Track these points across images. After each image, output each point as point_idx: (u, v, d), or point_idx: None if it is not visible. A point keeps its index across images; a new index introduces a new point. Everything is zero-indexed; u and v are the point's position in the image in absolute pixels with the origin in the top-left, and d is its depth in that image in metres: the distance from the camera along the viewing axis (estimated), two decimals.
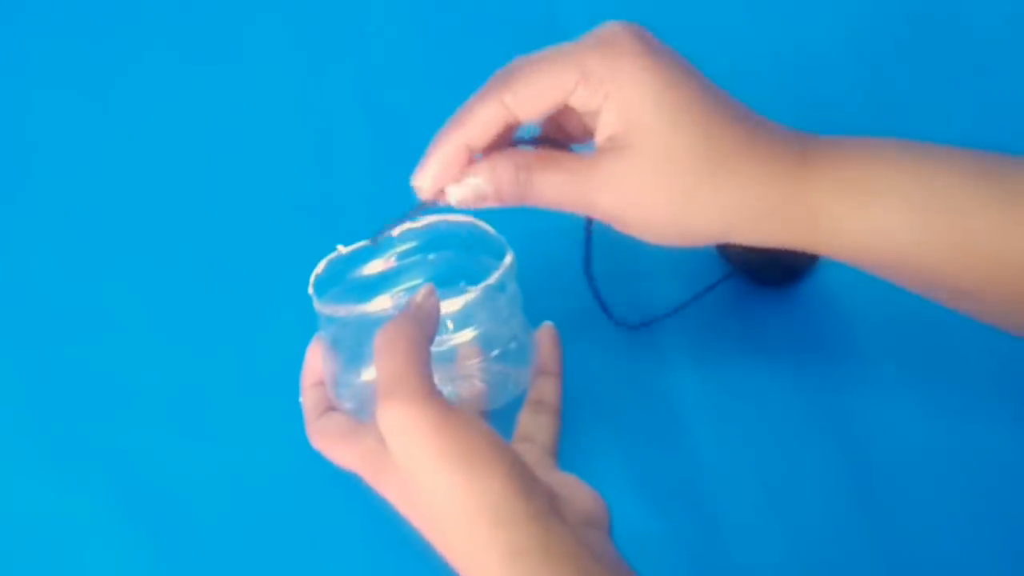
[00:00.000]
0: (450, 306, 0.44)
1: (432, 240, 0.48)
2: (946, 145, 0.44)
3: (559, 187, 0.44)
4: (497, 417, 0.49)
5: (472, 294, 0.45)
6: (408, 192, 0.45)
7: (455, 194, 0.44)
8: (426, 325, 0.42)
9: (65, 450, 0.56)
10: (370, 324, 0.44)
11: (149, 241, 0.60)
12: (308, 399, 0.48)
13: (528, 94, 0.43)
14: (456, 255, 0.48)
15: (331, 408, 0.47)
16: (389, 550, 0.52)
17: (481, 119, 0.43)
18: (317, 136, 0.63)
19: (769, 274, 0.56)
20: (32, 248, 0.61)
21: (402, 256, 0.48)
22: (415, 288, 0.45)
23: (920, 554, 0.52)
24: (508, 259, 0.46)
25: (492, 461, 0.39)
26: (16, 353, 0.58)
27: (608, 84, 0.42)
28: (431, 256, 0.48)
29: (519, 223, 0.47)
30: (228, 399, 0.56)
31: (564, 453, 0.49)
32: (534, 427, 0.48)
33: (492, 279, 0.45)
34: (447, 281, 0.45)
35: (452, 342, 0.46)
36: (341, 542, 0.54)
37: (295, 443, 0.55)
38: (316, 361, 0.48)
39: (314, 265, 0.47)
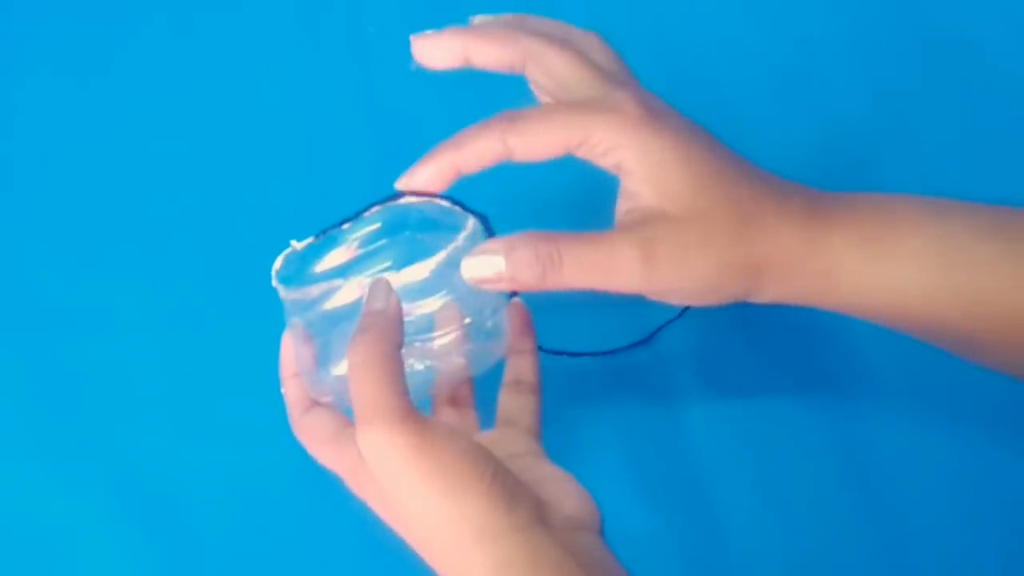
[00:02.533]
0: (417, 272, 0.44)
1: (393, 223, 0.46)
2: (958, 201, 0.45)
3: (590, 268, 0.43)
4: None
5: (438, 258, 0.43)
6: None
7: (470, 269, 0.43)
8: (394, 333, 0.41)
9: (64, 450, 0.56)
10: (339, 316, 0.44)
11: (148, 241, 0.60)
12: (290, 391, 0.48)
13: (530, 142, 0.43)
14: (419, 235, 0.46)
15: (315, 403, 0.47)
16: (389, 550, 0.52)
17: (479, 149, 0.44)
18: (317, 136, 0.63)
19: None
20: (31, 247, 0.61)
21: (365, 242, 0.47)
22: (383, 272, 0.44)
23: (920, 555, 0.52)
24: (471, 223, 0.45)
25: (472, 477, 0.38)
26: (15, 353, 0.58)
27: (619, 152, 0.43)
28: (394, 238, 0.47)
29: (500, 205, 0.46)
30: (228, 399, 0.56)
31: (564, 453, 0.49)
32: (515, 409, 0.48)
33: (457, 242, 0.44)
34: (414, 261, 0.44)
35: (422, 310, 0.45)
36: (341, 542, 0.53)
37: (295, 442, 0.55)
38: (290, 352, 0.48)
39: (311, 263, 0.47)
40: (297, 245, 0.46)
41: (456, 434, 0.39)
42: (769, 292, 0.44)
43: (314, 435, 0.45)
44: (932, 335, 0.45)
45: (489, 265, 0.43)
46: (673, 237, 0.42)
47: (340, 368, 0.45)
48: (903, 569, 0.52)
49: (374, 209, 0.46)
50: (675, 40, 0.64)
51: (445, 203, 0.45)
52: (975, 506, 0.53)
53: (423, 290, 0.44)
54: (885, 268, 0.43)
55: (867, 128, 0.62)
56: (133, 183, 0.62)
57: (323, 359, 0.46)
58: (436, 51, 0.47)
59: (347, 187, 0.61)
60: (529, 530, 0.39)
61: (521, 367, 0.49)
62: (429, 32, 0.47)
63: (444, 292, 0.44)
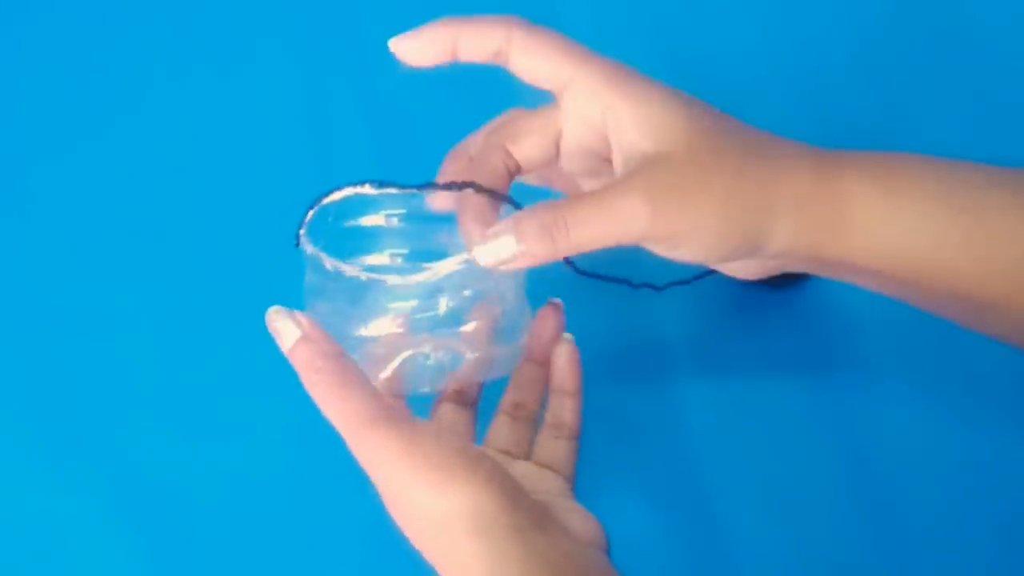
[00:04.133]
0: (447, 266, 0.44)
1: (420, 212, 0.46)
2: (964, 161, 0.44)
3: (595, 224, 0.42)
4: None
5: (460, 258, 0.44)
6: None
7: (483, 254, 0.43)
8: (327, 349, 0.41)
9: (64, 450, 0.56)
10: (364, 285, 0.44)
11: (147, 241, 0.60)
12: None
13: (531, 57, 0.44)
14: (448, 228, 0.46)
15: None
16: (389, 550, 0.52)
17: (484, 35, 0.44)
18: (317, 136, 0.63)
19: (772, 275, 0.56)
20: (31, 247, 0.61)
21: (404, 218, 0.47)
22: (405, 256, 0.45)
23: (921, 555, 0.52)
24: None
25: (465, 473, 0.39)
26: (15, 353, 0.58)
27: (607, 95, 0.43)
28: (407, 225, 0.46)
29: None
30: (228, 398, 0.56)
31: None
32: (553, 454, 0.48)
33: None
34: (434, 255, 0.45)
35: (448, 303, 0.45)
36: (341, 542, 0.53)
37: (295, 442, 0.55)
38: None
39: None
40: (337, 195, 0.45)
41: (445, 433, 0.40)
42: (778, 238, 0.43)
43: None
44: (942, 290, 0.44)
45: (502, 246, 0.42)
46: (674, 178, 0.42)
47: (364, 329, 0.45)
48: (904, 570, 0.52)
49: (419, 190, 0.45)
50: (675, 40, 0.64)
51: (509, 204, 0.45)
52: (978, 498, 0.52)
53: (454, 286, 0.44)
54: (896, 207, 0.42)
55: (868, 128, 0.62)
56: (133, 183, 0.62)
57: (347, 320, 0.45)
58: (419, 47, 0.46)
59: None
60: (526, 531, 0.39)
61: (564, 411, 0.48)
62: (407, 33, 0.46)
63: (471, 289, 0.45)
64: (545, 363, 0.49)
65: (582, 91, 0.43)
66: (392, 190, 0.45)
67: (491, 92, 0.63)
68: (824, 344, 0.56)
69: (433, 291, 0.44)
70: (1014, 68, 0.63)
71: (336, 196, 0.45)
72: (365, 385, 0.40)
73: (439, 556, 0.40)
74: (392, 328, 0.44)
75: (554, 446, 0.48)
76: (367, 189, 0.45)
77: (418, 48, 0.44)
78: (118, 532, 0.54)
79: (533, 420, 0.49)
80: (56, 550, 0.54)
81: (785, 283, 0.56)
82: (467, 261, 0.43)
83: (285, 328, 0.41)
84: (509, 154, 0.45)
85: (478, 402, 0.50)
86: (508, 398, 0.49)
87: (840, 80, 0.63)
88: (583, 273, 0.49)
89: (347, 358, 0.41)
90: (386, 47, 0.65)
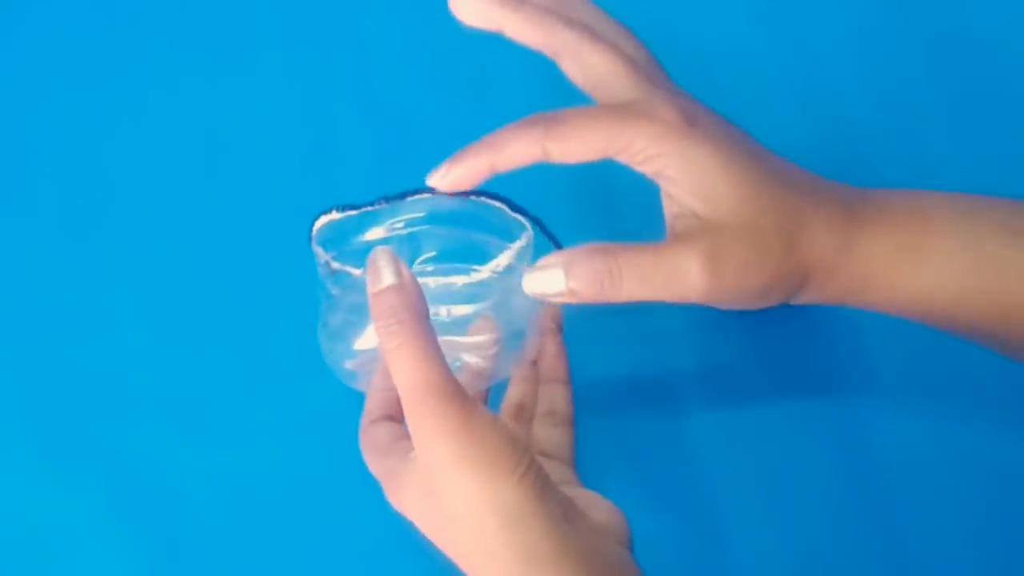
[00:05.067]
0: (463, 279, 0.44)
1: (436, 213, 0.46)
2: (989, 198, 0.46)
3: (651, 279, 0.43)
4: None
5: (487, 269, 0.44)
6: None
7: (529, 283, 0.43)
8: (418, 305, 0.40)
9: (64, 450, 0.55)
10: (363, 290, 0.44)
11: (147, 241, 0.60)
12: (370, 401, 0.48)
13: (569, 148, 0.43)
14: (461, 229, 0.46)
15: (385, 415, 0.47)
16: (390, 550, 0.52)
17: (516, 153, 0.43)
18: (317, 135, 0.63)
19: None
20: (31, 247, 0.61)
21: (408, 224, 0.46)
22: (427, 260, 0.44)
23: (921, 556, 0.52)
24: (524, 239, 0.45)
25: (507, 465, 0.39)
26: (15, 353, 0.58)
27: (660, 160, 0.43)
28: (436, 228, 0.46)
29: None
30: (228, 398, 0.56)
31: None
32: (551, 443, 0.49)
33: (505, 257, 0.44)
34: (450, 256, 0.45)
35: (459, 312, 0.45)
36: (341, 542, 0.53)
37: (295, 442, 0.55)
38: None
39: (311, 273, 0.46)
40: (337, 215, 0.45)
41: (498, 421, 0.40)
42: (806, 295, 0.45)
43: (370, 443, 0.46)
44: (964, 333, 0.46)
45: (550, 281, 0.43)
46: (733, 247, 0.43)
47: (362, 343, 0.45)
48: (904, 571, 0.52)
49: (420, 196, 0.45)
50: (675, 40, 0.64)
51: (499, 204, 0.45)
52: (980, 511, 0.53)
53: (465, 296, 0.44)
54: (918, 271, 0.44)
55: (868, 128, 0.62)
56: (133, 182, 0.62)
57: (345, 332, 0.45)
58: (473, 8, 0.46)
59: (347, 187, 0.60)
60: (558, 523, 0.39)
61: (556, 398, 0.50)
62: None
63: (484, 301, 0.45)
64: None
65: (630, 156, 0.43)
66: (351, 212, 0.45)
67: (492, 92, 0.64)
68: (825, 342, 0.56)
69: (440, 300, 0.44)
70: (1013, 66, 0.63)
71: (318, 224, 0.45)
72: (439, 354, 0.40)
73: (469, 545, 0.40)
74: None
75: (551, 433, 0.49)
76: (333, 215, 0.45)
77: (454, 182, 0.44)
78: (118, 532, 0.54)
79: (532, 417, 0.50)
80: (56, 550, 0.54)
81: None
82: (478, 280, 0.44)
83: (385, 269, 0.41)
84: (544, 150, 0.43)
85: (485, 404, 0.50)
86: (510, 399, 0.50)
87: (840, 80, 0.63)
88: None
89: (430, 323, 0.40)
90: (386, 47, 0.66)
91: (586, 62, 0.45)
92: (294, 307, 0.57)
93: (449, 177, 0.44)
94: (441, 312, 0.44)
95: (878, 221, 0.44)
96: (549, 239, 0.46)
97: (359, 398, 0.54)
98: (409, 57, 0.65)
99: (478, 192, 0.45)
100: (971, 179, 0.60)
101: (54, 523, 0.54)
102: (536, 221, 0.45)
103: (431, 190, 0.45)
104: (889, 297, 0.45)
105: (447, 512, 0.40)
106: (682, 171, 0.43)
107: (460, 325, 0.45)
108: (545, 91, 0.63)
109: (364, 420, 0.47)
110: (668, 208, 0.45)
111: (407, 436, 0.45)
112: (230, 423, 0.56)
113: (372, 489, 0.54)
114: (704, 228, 0.43)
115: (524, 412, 0.50)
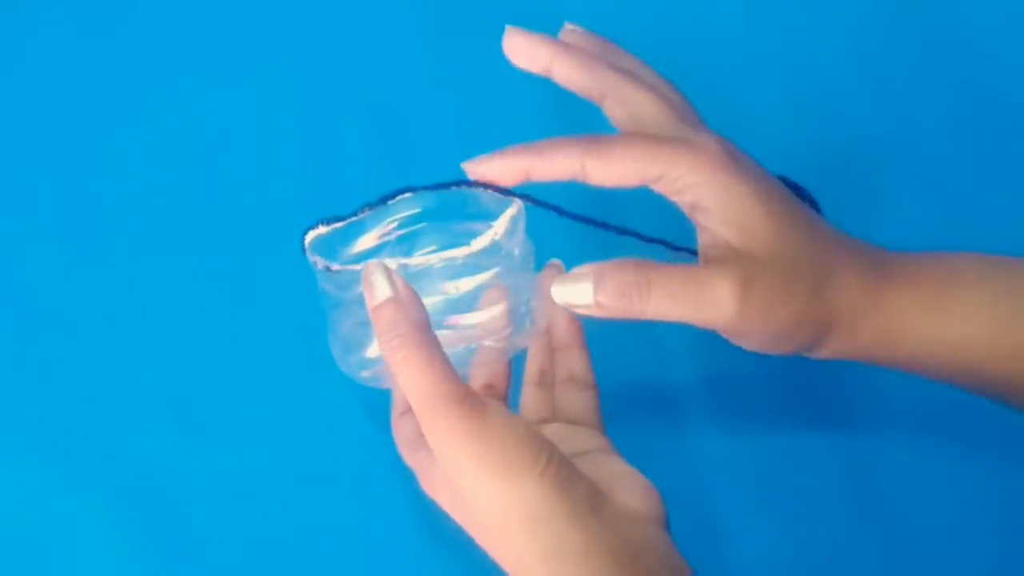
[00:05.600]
0: (460, 252, 0.44)
1: (433, 208, 0.46)
2: (1018, 258, 0.46)
3: (680, 299, 0.43)
4: None
5: (483, 239, 0.44)
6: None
7: (558, 293, 0.43)
8: (418, 316, 0.41)
9: (64, 450, 0.55)
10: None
11: (148, 241, 0.60)
12: (396, 393, 0.48)
13: (608, 170, 0.43)
14: (460, 222, 0.45)
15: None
16: (390, 551, 0.52)
17: (556, 163, 0.43)
18: (317, 135, 0.63)
19: None
20: (31, 247, 0.60)
21: (404, 223, 0.46)
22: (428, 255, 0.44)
23: (921, 555, 0.52)
24: (515, 207, 0.45)
25: (526, 462, 0.39)
26: (15, 353, 0.58)
27: (698, 191, 0.43)
28: (434, 224, 0.46)
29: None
30: (228, 398, 0.56)
31: None
32: (577, 408, 0.48)
33: (503, 225, 0.44)
34: (449, 247, 0.44)
35: (463, 288, 0.44)
36: (341, 542, 0.53)
37: (295, 442, 0.55)
38: None
39: (311, 273, 0.46)
40: (324, 229, 0.45)
41: (513, 419, 0.40)
42: (830, 347, 0.45)
43: (403, 434, 0.46)
44: (994, 391, 0.46)
45: (579, 292, 0.43)
46: (765, 278, 0.43)
47: (372, 351, 0.45)
48: (904, 570, 0.52)
49: (402, 196, 0.45)
50: (676, 39, 0.64)
51: (484, 190, 0.45)
52: (979, 508, 0.53)
53: (464, 270, 0.44)
54: (948, 325, 0.44)
55: (868, 127, 0.62)
56: (133, 182, 0.62)
57: (357, 342, 0.45)
58: (524, 51, 0.47)
59: (347, 187, 0.61)
60: (583, 517, 0.39)
61: (572, 363, 0.50)
62: (524, 31, 0.47)
63: (486, 272, 0.44)
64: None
65: (669, 184, 0.43)
66: (338, 224, 0.45)
67: (491, 91, 0.64)
68: (832, 369, 0.56)
69: (444, 276, 0.44)
70: (1013, 66, 0.63)
71: (308, 239, 0.45)
72: (444, 361, 0.40)
73: (497, 545, 0.41)
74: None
75: (575, 398, 0.49)
76: (320, 229, 0.45)
77: (487, 172, 0.44)
78: (118, 532, 0.54)
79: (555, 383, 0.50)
80: (56, 550, 0.54)
81: None
82: (473, 251, 0.43)
83: (379, 283, 0.41)
84: (583, 168, 0.44)
85: (508, 393, 0.50)
86: (531, 367, 0.50)
87: (840, 79, 0.63)
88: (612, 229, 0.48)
89: (431, 331, 0.40)
90: (386, 47, 0.66)
91: (629, 102, 0.45)
92: (294, 307, 0.57)
93: (484, 167, 0.44)
94: (449, 289, 0.44)
95: (906, 275, 0.45)
96: (545, 207, 0.46)
97: (359, 398, 0.55)
98: (409, 57, 0.65)
99: (459, 182, 0.44)
100: (969, 179, 0.60)
101: (54, 523, 0.54)
102: (526, 197, 0.45)
103: (412, 189, 0.45)
104: (917, 352, 0.45)
105: (473, 514, 0.41)
106: (719, 201, 0.43)
107: (468, 301, 0.45)
108: (546, 91, 0.63)
109: (394, 413, 0.48)
110: (702, 239, 0.44)
111: None
112: (230, 423, 0.56)
113: (372, 489, 0.54)
114: (737, 257, 0.43)
115: (547, 376, 0.50)
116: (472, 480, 0.39)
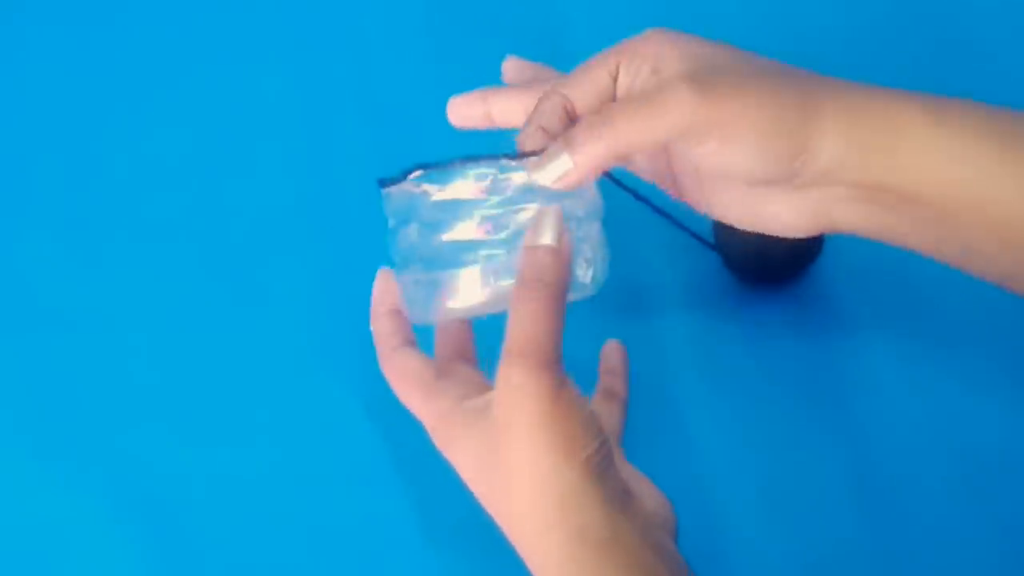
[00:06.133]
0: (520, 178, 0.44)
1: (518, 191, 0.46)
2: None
3: (642, 113, 0.42)
4: None
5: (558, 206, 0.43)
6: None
7: (542, 176, 0.43)
8: (565, 275, 0.41)
9: (64, 450, 0.55)
10: (457, 249, 0.44)
11: (148, 241, 0.60)
12: (382, 325, 0.48)
13: (577, 83, 0.44)
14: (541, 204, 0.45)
15: (406, 342, 0.47)
16: (390, 551, 0.52)
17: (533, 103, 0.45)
18: (317, 135, 0.63)
19: (766, 270, 0.56)
20: (31, 247, 0.60)
21: (490, 190, 0.45)
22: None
23: (921, 554, 0.52)
24: (593, 192, 0.45)
25: (579, 445, 0.39)
26: (15, 353, 0.58)
27: (660, 52, 0.43)
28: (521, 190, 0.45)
29: None
30: (228, 398, 0.56)
31: None
32: (603, 413, 0.49)
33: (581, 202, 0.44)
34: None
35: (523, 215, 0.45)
36: (341, 542, 0.53)
37: (296, 443, 0.55)
38: (389, 288, 0.48)
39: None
40: (418, 172, 0.45)
41: (583, 401, 0.40)
42: (827, 147, 0.42)
43: (404, 376, 0.46)
44: (982, 226, 0.43)
45: (559, 163, 0.43)
46: (721, 69, 0.42)
47: (456, 301, 0.45)
48: (904, 570, 0.52)
49: (510, 161, 0.45)
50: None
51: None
52: (980, 504, 0.52)
53: (527, 198, 0.44)
54: (946, 136, 0.42)
55: None
56: (133, 182, 0.62)
57: (430, 292, 0.45)
58: (460, 112, 0.49)
59: (347, 186, 0.61)
60: (614, 510, 0.39)
61: (616, 383, 0.51)
62: (461, 95, 0.49)
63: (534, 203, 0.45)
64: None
65: (629, 71, 0.44)
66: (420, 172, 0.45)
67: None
68: (822, 338, 0.56)
69: (510, 202, 0.44)
70: (1014, 67, 0.63)
71: (416, 173, 0.45)
72: (561, 327, 0.40)
73: (520, 520, 0.40)
74: (476, 233, 0.44)
75: (606, 407, 0.50)
76: (417, 172, 0.45)
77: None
78: (118, 532, 0.54)
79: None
80: (56, 550, 0.53)
81: (782, 278, 0.56)
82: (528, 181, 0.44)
83: (548, 230, 0.42)
84: (566, 97, 0.45)
85: (476, 358, 0.50)
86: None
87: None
88: (626, 189, 0.50)
89: (566, 296, 0.41)
90: (386, 47, 0.66)
91: (574, 95, 0.45)
92: (295, 307, 0.57)
93: (505, 100, 0.48)
94: (518, 217, 0.44)
95: (899, 91, 0.43)
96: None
97: (360, 398, 0.55)
98: (409, 57, 0.65)
99: (507, 155, 0.45)
100: None
101: (54, 523, 0.54)
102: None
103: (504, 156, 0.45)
104: (914, 167, 0.42)
105: (506, 473, 0.40)
106: (676, 49, 0.43)
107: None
108: None
109: (383, 346, 0.47)
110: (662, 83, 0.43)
111: (459, 378, 0.45)
112: (230, 423, 0.56)
113: (372, 489, 0.54)
114: (692, 64, 0.43)
115: (614, 397, 0.51)
116: (527, 438, 0.39)
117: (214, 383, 0.57)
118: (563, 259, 0.41)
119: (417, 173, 0.44)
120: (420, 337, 0.48)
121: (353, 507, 0.53)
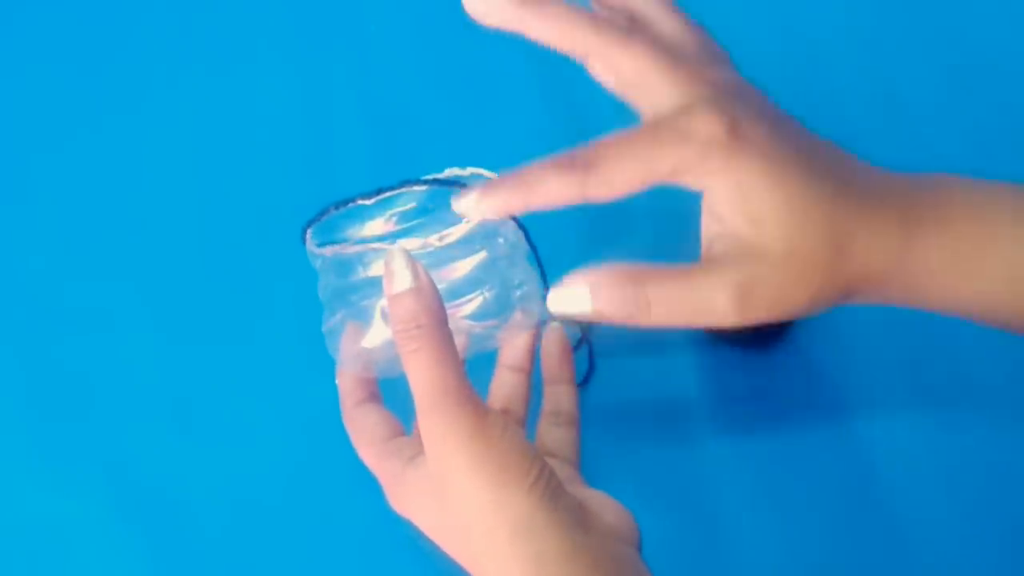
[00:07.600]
0: (458, 231, 0.42)
1: (428, 204, 0.44)
2: None
3: (680, 309, 0.40)
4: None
5: (461, 230, 0.42)
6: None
7: (553, 301, 0.41)
8: (437, 309, 0.40)
9: (64, 450, 0.56)
10: (372, 284, 0.43)
11: (148, 241, 0.60)
12: (344, 381, 0.47)
13: (613, 186, 0.40)
14: (446, 217, 0.44)
15: (369, 396, 0.47)
16: (390, 550, 0.52)
17: (552, 194, 0.40)
18: (317, 135, 0.63)
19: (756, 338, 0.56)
20: (31, 247, 0.61)
21: (401, 219, 0.45)
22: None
23: (921, 554, 0.52)
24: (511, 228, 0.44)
25: (519, 472, 0.39)
26: (15, 353, 0.58)
27: (704, 178, 0.40)
28: (431, 217, 0.44)
29: None
30: (228, 398, 0.56)
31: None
32: (555, 442, 0.48)
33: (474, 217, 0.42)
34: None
35: (454, 274, 0.44)
36: (341, 542, 0.53)
37: (296, 443, 0.55)
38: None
39: (311, 273, 0.46)
40: (333, 211, 0.44)
41: (511, 428, 0.40)
42: (859, 301, 0.43)
43: (363, 432, 0.46)
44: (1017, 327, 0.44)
45: (575, 299, 0.41)
46: (768, 278, 0.40)
47: (367, 340, 0.44)
48: (905, 570, 0.52)
49: (407, 188, 0.44)
50: None
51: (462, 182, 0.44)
52: (980, 510, 0.53)
53: (448, 257, 0.43)
54: (982, 277, 0.42)
55: (868, 128, 0.62)
56: (133, 182, 0.62)
57: (345, 335, 0.45)
58: (488, 6, 0.42)
59: (347, 186, 0.60)
60: (569, 529, 0.39)
61: (561, 398, 0.49)
62: None
63: (470, 257, 0.44)
64: (525, 370, 0.49)
65: (673, 180, 0.41)
66: (368, 200, 0.44)
67: (492, 92, 0.64)
68: (836, 370, 0.57)
69: (442, 259, 0.43)
70: (1014, 67, 0.63)
71: (327, 215, 0.44)
72: (456, 358, 0.39)
73: (477, 555, 0.40)
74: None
75: (556, 434, 0.48)
76: (331, 212, 0.44)
77: (483, 212, 0.41)
78: (118, 532, 0.54)
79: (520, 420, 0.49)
80: (56, 550, 0.54)
81: (769, 342, 0.56)
82: (452, 239, 0.43)
83: (401, 272, 0.40)
84: (583, 191, 0.41)
85: (526, 419, 0.49)
86: (495, 396, 0.49)
87: (840, 78, 0.63)
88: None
89: (447, 326, 0.40)
90: (386, 47, 0.66)
91: (614, 64, 0.41)
92: (294, 307, 0.57)
93: (480, 207, 0.41)
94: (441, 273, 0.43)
95: (937, 226, 0.42)
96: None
97: None
98: (409, 57, 0.65)
99: (455, 182, 0.43)
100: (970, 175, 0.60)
101: (54, 523, 0.54)
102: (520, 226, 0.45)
103: (409, 183, 0.43)
104: (946, 299, 0.43)
105: (457, 518, 0.40)
106: (727, 189, 0.40)
107: (459, 290, 0.44)
108: (546, 91, 0.63)
109: (347, 401, 0.47)
110: (707, 224, 0.41)
111: (407, 437, 0.45)
112: (231, 423, 0.56)
113: (372, 489, 0.54)
114: (742, 254, 0.40)
115: (561, 417, 0.49)
116: (462, 483, 0.39)
117: (214, 383, 0.57)
118: (427, 294, 0.39)
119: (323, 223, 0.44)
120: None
121: (353, 507, 0.53)
